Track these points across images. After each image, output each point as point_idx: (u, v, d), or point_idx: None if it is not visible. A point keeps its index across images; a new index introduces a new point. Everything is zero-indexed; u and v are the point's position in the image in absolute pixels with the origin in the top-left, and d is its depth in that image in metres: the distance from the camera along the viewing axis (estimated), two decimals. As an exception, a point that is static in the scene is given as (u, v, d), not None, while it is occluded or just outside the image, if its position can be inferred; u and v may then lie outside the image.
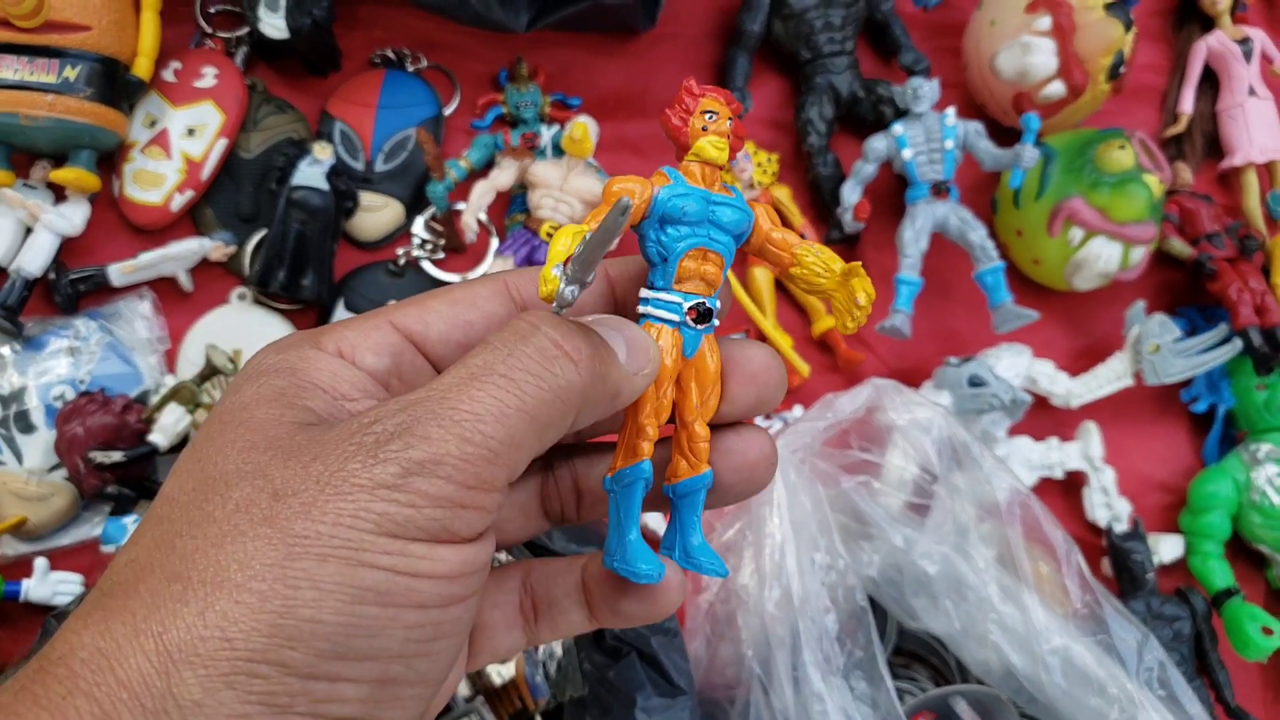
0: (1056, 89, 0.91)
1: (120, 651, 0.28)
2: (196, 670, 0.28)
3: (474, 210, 0.88)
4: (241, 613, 0.28)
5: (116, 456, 0.77)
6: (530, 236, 0.87)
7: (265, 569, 0.29)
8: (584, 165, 0.90)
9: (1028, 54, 0.90)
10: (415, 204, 0.92)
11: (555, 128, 0.92)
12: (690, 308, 0.41)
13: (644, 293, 0.40)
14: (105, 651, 0.29)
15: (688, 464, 0.39)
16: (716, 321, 0.41)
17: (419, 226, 0.91)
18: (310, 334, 0.36)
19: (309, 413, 0.33)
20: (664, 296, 0.40)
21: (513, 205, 0.92)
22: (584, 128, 0.87)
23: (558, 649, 0.73)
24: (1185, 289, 1.00)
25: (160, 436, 0.78)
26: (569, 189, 0.88)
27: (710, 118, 0.44)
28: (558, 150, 0.91)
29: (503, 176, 0.89)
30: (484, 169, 0.91)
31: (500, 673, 0.74)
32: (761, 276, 0.93)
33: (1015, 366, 0.89)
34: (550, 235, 0.85)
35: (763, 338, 0.91)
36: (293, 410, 0.33)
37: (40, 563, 0.78)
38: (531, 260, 0.86)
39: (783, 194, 0.95)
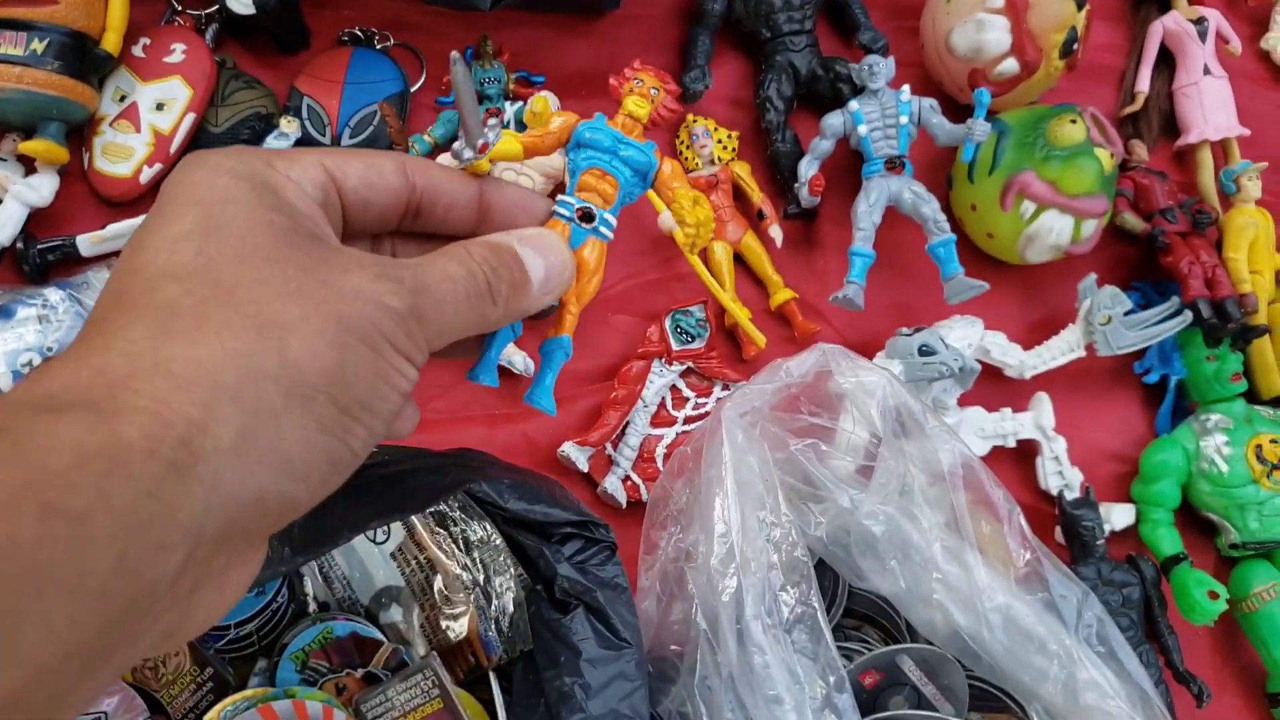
0: (1010, 66, 0.92)
1: (216, 363, 0.35)
2: (280, 386, 0.36)
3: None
4: (308, 356, 0.37)
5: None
6: None
7: (324, 329, 0.37)
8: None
9: (981, 31, 0.92)
10: (380, 178, 0.93)
11: (519, 104, 0.94)
12: (579, 209, 0.56)
13: (558, 196, 0.55)
14: (199, 360, 0.35)
15: (554, 329, 0.53)
16: (605, 230, 0.55)
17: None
18: (257, 156, 0.41)
19: (303, 223, 0.41)
20: (566, 198, 0.54)
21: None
22: (544, 101, 0.88)
23: (510, 604, 0.75)
24: (1139, 264, 1.02)
25: (125, 400, 0.80)
26: (530, 162, 0.89)
27: (638, 83, 0.63)
28: (520, 126, 0.93)
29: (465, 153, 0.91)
30: (448, 144, 0.93)
31: (455, 630, 0.75)
32: (720, 251, 0.94)
33: (967, 337, 0.90)
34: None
35: (721, 310, 0.92)
36: (291, 219, 0.40)
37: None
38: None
39: (743, 169, 0.97)
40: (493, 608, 0.75)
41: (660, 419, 0.91)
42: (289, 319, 0.37)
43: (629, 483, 0.88)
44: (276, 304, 0.37)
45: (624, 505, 0.87)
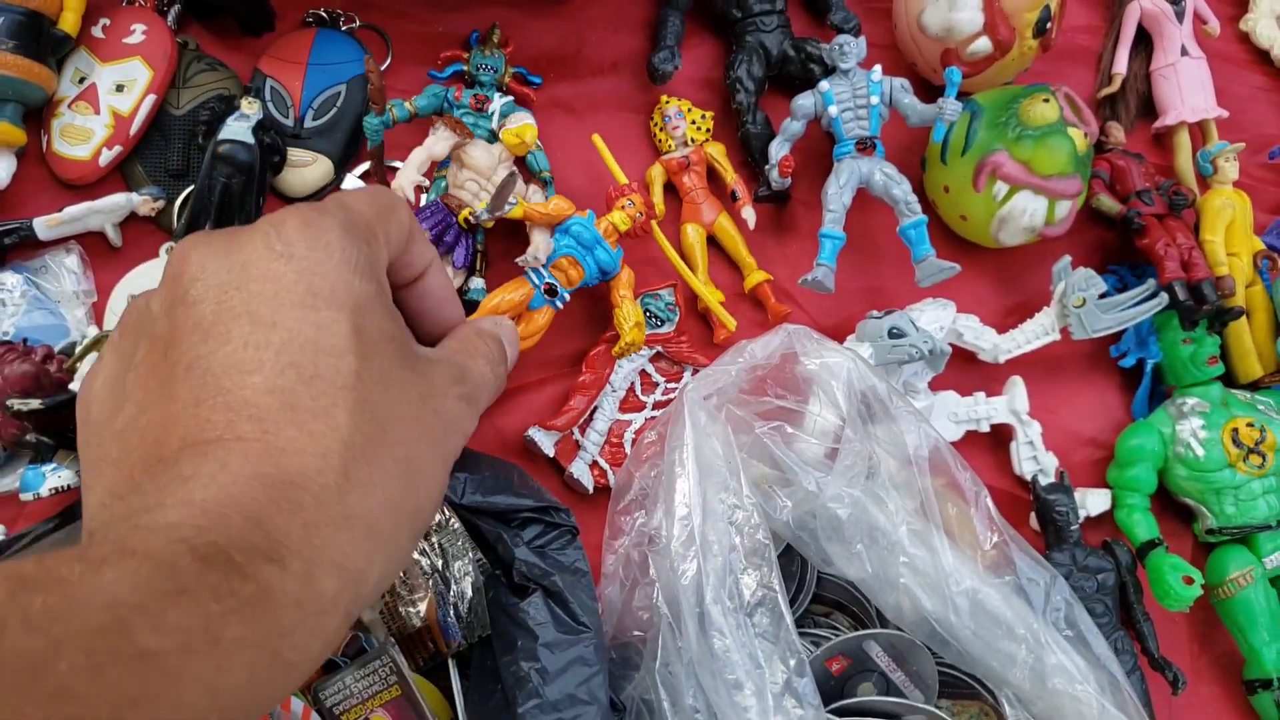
0: (983, 45, 0.91)
1: (378, 512, 0.40)
2: (410, 530, 0.43)
3: (408, 177, 0.88)
4: (429, 499, 0.44)
5: (35, 404, 0.77)
6: (447, 215, 0.86)
7: (441, 470, 0.45)
8: (512, 161, 0.90)
9: (953, 10, 0.91)
10: (344, 160, 0.92)
11: (509, 99, 0.92)
12: (547, 283, 0.79)
13: (535, 261, 0.78)
14: (369, 512, 0.40)
15: None
16: (559, 304, 0.79)
17: (349, 183, 0.92)
18: (369, 231, 0.45)
19: (404, 329, 0.45)
20: (541, 269, 0.75)
21: (446, 162, 0.92)
22: (532, 130, 0.87)
23: (468, 590, 0.73)
24: (1116, 247, 1.00)
25: (80, 385, 0.79)
26: (495, 180, 0.88)
27: (629, 204, 0.83)
28: (503, 119, 0.91)
29: (439, 146, 0.89)
30: (428, 115, 0.91)
31: (414, 616, 0.74)
32: (693, 233, 0.93)
33: (939, 319, 0.89)
34: (468, 223, 0.85)
35: (692, 293, 0.91)
36: (399, 325, 0.45)
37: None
38: (440, 239, 0.85)
39: (717, 150, 0.95)
40: (451, 593, 0.74)
41: (629, 404, 0.89)
42: (422, 463, 0.43)
43: (596, 468, 0.86)
44: (414, 447, 0.42)
45: (590, 490, 0.85)
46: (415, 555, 0.74)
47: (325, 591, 0.38)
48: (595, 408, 0.88)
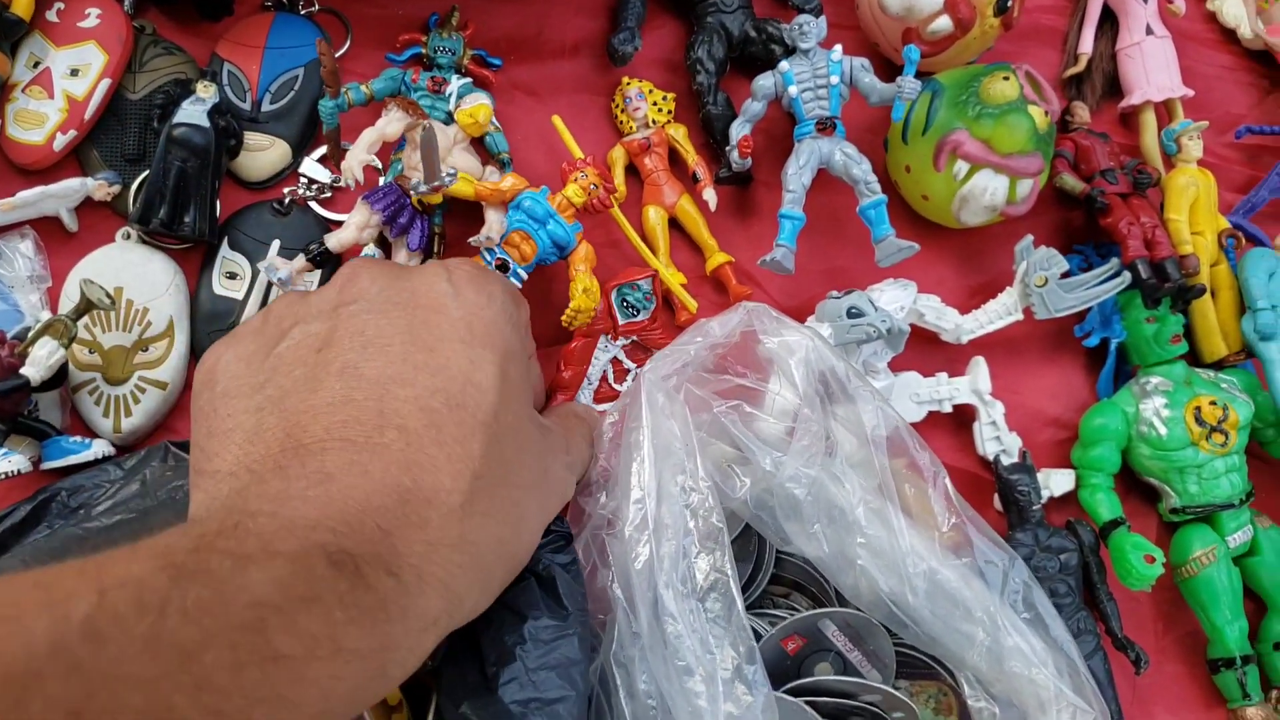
0: (944, 24, 0.91)
1: (485, 546, 0.45)
2: (508, 568, 0.52)
3: (358, 157, 0.87)
4: (528, 547, 0.54)
5: (-12, 388, 0.76)
6: (400, 196, 0.85)
7: (541, 523, 0.55)
8: (468, 142, 0.89)
9: (914, -11, 0.90)
10: (302, 144, 0.92)
11: (466, 80, 0.92)
12: (499, 258, 0.78)
13: (489, 242, 0.79)
14: (479, 544, 0.44)
15: None
16: (515, 281, 0.77)
17: (307, 167, 0.91)
18: (519, 299, 0.55)
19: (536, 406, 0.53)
20: (493, 246, 0.78)
21: (402, 144, 0.91)
22: (486, 110, 0.86)
23: None
24: (1081, 227, 1.00)
25: (32, 370, 0.78)
26: (450, 162, 0.87)
27: (583, 176, 0.81)
28: (460, 100, 0.90)
29: (390, 127, 0.88)
30: (383, 99, 0.90)
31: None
32: (655, 215, 0.93)
33: (899, 299, 0.88)
34: (422, 204, 0.85)
35: (655, 275, 0.90)
36: (531, 387, 0.54)
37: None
38: (394, 220, 0.84)
39: (679, 132, 0.95)
40: None
41: (603, 394, 0.89)
42: (529, 513, 0.48)
43: None
44: (527, 495, 0.47)
45: None
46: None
47: (429, 610, 0.40)
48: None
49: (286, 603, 0.34)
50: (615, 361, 0.89)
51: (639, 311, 0.88)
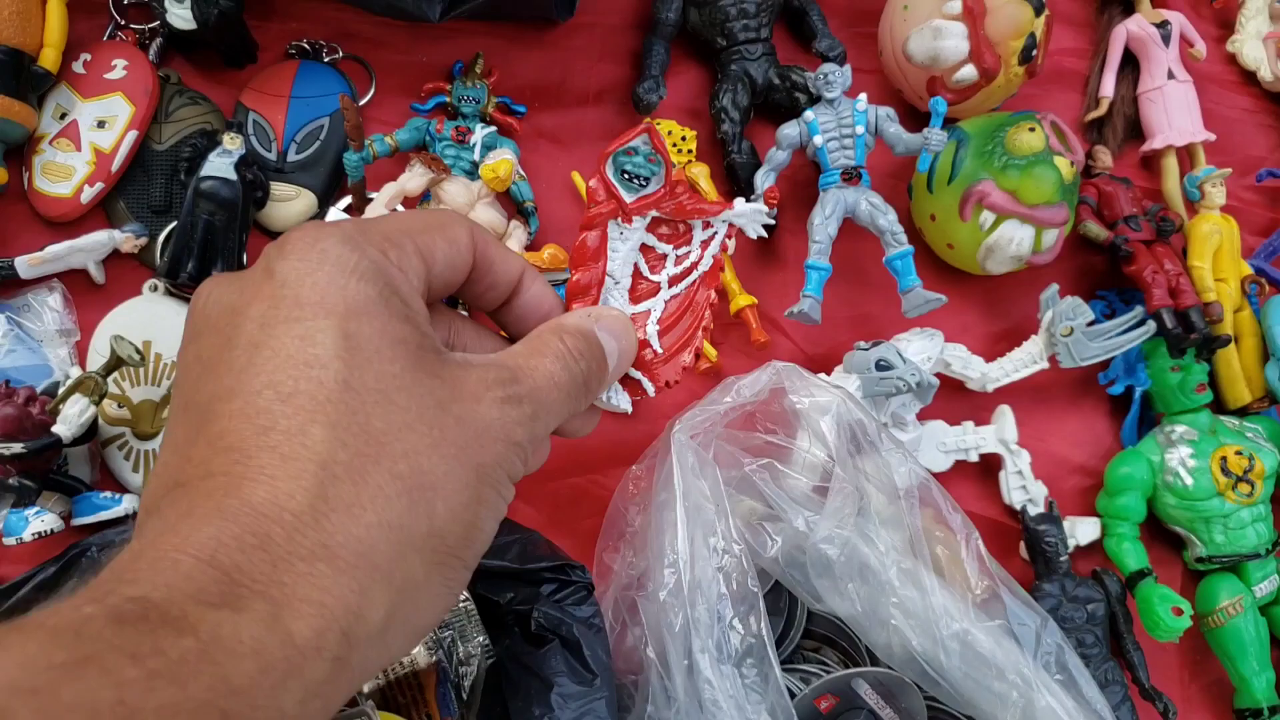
0: (969, 73, 0.91)
1: (372, 540, 0.36)
2: (423, 556, 0.38)
3: (377, 212, 0.87)
4: (450, 519, 0.38)
5: (18, 448, 0.76)
6: None
7: (465, 485, 0.39)
8: (493, 197, 0.89)
9: (939, 38, 0.90)
10: (328, 194, 0.92)
11: (491, 129, 0.92)
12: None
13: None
14: (360, 538, 0.35)
15: None
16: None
17: (332, 216, 0.91)
18: (370, 242, 0.41)
19: (428, 336, 0.41)
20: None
21: (426, 197, 0.91)
22: (509, 166, 0.86)
23: (473, 671, 0.73)
24: (1104, 272, 1.00)
25: (64, 428, 0.78)
26: (474, 217, 0.87)
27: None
28: (486, 150, 0.90)
29: (412, 183, 0.88)
30: (409, 151, 0.90)
31: (405, 662, 0.74)
32: (679, 263, 0.93)
33: (926, 350, 0.89)
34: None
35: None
36: (419, 332, 0.41)
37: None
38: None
39: (700, 171, 0.95)
40: (454, 672, 0.73)
41: (640, 291, 0.66)
42: (436, 477, 0.38)
43: (629, 381, 0.63)
44: (424, 458, 0.38)
45: (630, 410, 0.63)
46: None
47: (299, 634, 0.33)
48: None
49: (42, 679, 0.28)
50: (646, 249, 0.66)
51: (646, 181, 0.65)
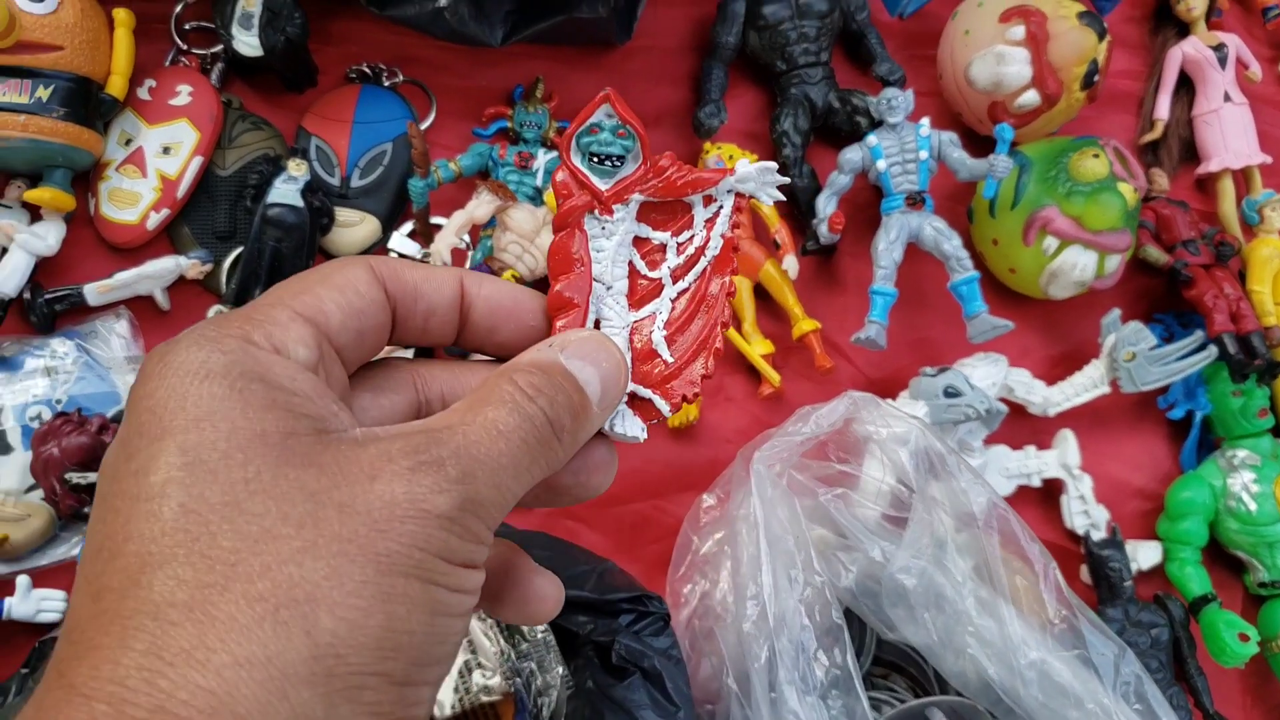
0: (1031, 98, 0.91)
1: (229, 685, 0.29)
2: (316, 689, 0.29)
3: (446, 240, 0.87)
4: (346, 631, 0.30)
5: (92, 478, 0.77)
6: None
7: (360, 584, 0.31)
8: None
9: (1001, 64, 0.90)
10: (391, 219, 0.92)
11: (554, 154, 0.92)
12: None
13: None
14: (211, 689, 0.28)
15: None
16: None
17: (396, 241, 0.91)
18: (229, 334, 0.34)
19: (304, 420, 0.33)
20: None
21: (491, 222, 0.92)
22: None
23: (552, 703, 0.73)
24: (1162, 295, 1.00)
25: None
26: (539, 243, 0.87)
27: None
28: (549, 176, 0.91)
29: (480, 210, 0.88)
30: (473, 176, 0.91)
31: (482, 691, 0.74)
32: (742, 284, 0.93)
33: (991, 376, 0.89)
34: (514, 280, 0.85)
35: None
36: (290, 417, 0.33)
37: (22, 580, 0.78)
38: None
39: (763, 196, 0.95)
40: (532, 700, 0.73)
41: (640, 293, 0.51)
42: (311, 585, 0.30)
43: (638, 403, 0.49)
44: (292, 567, 0.30)
45: (643, 437, 0.49)
46: (491, 649, 0.74)
47: None
48: (597, 321, 0.49)
49: None
50: (639, 241, 0.51)
51: (620, 161, 0.51)
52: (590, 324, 0.46)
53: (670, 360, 0.48)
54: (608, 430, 0.45)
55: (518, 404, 0.36)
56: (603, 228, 0.49)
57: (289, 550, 0.30)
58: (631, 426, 0.46)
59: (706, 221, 0.48)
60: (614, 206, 0.48)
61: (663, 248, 0.49)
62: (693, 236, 0.49)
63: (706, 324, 0.48)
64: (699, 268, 0.48)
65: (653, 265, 0.51)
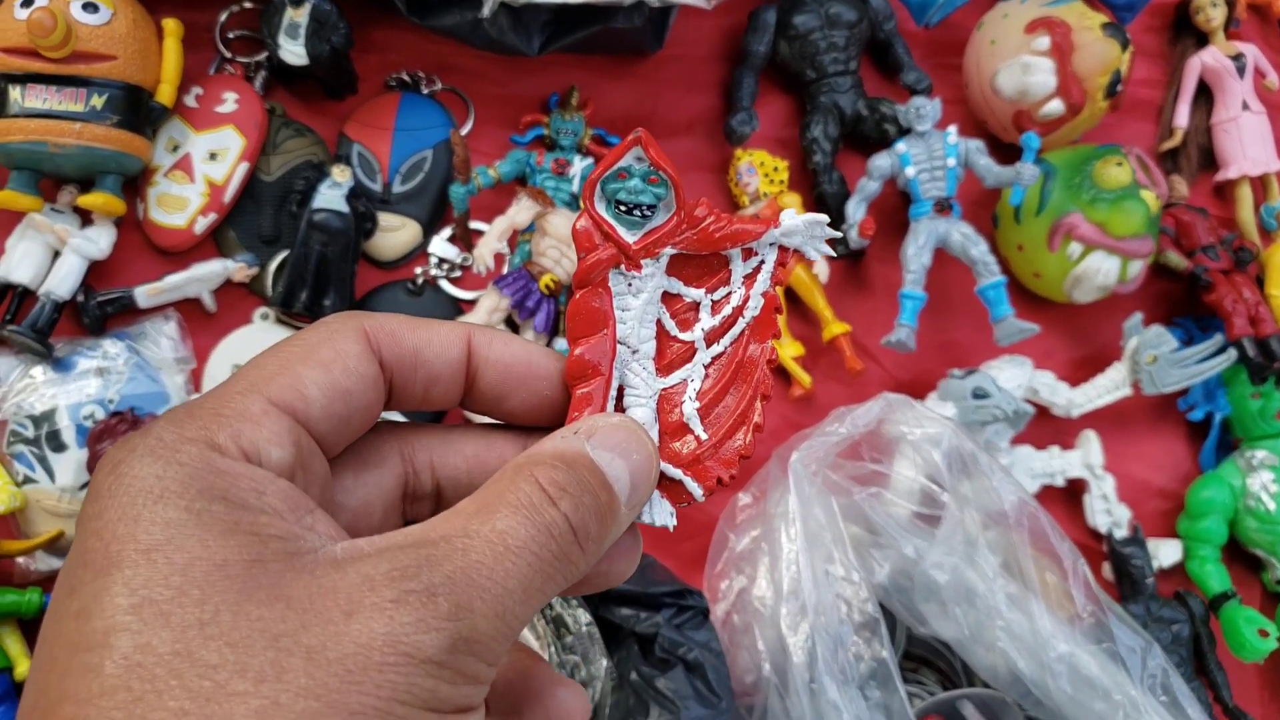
0: (1055, 107, 0.93)
1: None
2: None
3: (489, 246, 0.89)
4: None
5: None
6: (529, 281, 0.88)
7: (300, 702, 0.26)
8: None
9: (1027, 73, 0.92)
10: (432, 224, 0.94)
11: (589, 160, 0.94)
12: None
13: None
14: None
15: None
16: None
17: (436, 246, 0.93)
18: (197, 432, 0.30)
19: (273, 542, 0.29)
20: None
21: (530, 227, 0.94)
22: None
23: (596, 694, 0.75)
24: (1182, 300, 1.02)
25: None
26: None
27: None
28: (583, 182, 0.93)
29: (521, 215, 0.90)
30: (511, 182, 0.93)
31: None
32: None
33: (1017, 378, 0.91)
34: (550, 288, 0.87)
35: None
36: (256, 542, 0.29)
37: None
38: (522, 304, 0.87)
39: (793, 201, 0.97)
40: None
41: (670, 358, 0.43)
42: None
43: (667, 484, 0.41)
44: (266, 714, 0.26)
45: (673, 525, 0.42)
46: (539, 640, 0.76)
47: None
48: (620, 389, 0.43)
49: None
50: (670, 299, 0.44)
51: (651, 210, 0.43)
52: (613, 392, 0.41)
53: (704, 436, 0.41)
54: (648, 523, 0.39)
55: (536, 509, 0.31)
56: (629, 284, 0.43)
57: (245, 711, 0.26)
58: (660, 514, 0.39)
59: (745, 278, 0.41)
60: (643, 262, 0.41)
61: (696, 306, 0.43)
62: (730, 294, 0.42)
63: (744, 395, 0.42)
64: (736, 329, 0.41)
65: (684, 326, 0.45)
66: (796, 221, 0.40)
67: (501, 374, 0.37)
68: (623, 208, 0.40)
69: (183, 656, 0.26)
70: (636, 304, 0.42)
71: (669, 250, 0.41)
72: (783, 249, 0.40)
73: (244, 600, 0.27)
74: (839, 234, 0.40)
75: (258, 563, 0.28)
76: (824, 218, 0.39)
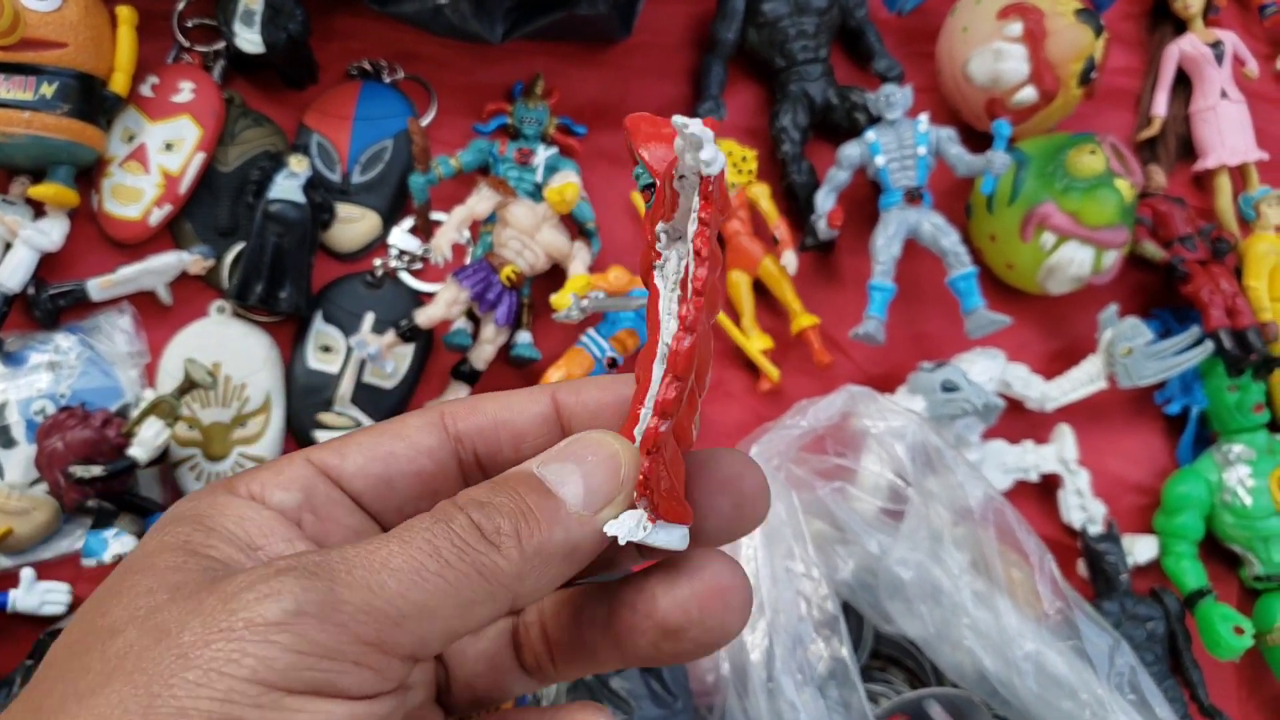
0: (1028, 95, 0.91)
1: None
2: None
3: (447, 236, 0.88)
4: None
5: (96, 471, 0.77)
6: (490, 273, 0.86)
7: None
8: (558, 219, 0.90)
9: (999, 60, 0.91)
10: (392, 215, 0.92)
11: (553, 150, 0.93)
12: (609, 357, 0.80)
13: (593, 332, 0.65)
14: None
15: None
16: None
17: (396, 237, 0.92)
18: (227, 481, 0.33)
19: (212, 560, 0.30)
20: (603, 342, 0.68)
21: (491, 218, 0.92)
22: (574, 190, 0.87)
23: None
24: (1159, 291, 1.01)
25: (140, 450, 0.79)
26: (539, 239, 0.87)
27: None
28: (549, 171, 0.91)
29: (481, 206, 0.88)
30: (473, 172, 0.91)
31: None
32: (741, 280, 0.93)
33: (989, 371, 0.89)
34: (511, 280, 0.85)
35: (734, 343, 0.91)
36: (196, 558, 0.29)
37: (26, 572, 0.79)
38: (483, 297, 0.85)
39: (761, 192, 0.95)
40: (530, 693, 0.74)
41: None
42: None
43: (669, 505, 0.36)
44: None
45: (684, 545, 0.34)
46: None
47: None
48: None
49: None
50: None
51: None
52: (649, 404, 0.34)
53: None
54: (642, 541, 0.32)
55: (439, 510, 0.30)
56: (661, 276, 0.36)
57: (84, 688, 0.26)
58: (670, 536, 0.33)
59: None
60: (658, 246, 0.35)
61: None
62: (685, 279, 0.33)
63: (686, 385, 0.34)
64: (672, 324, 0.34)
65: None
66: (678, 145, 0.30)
67: (592, 415, 0.36)
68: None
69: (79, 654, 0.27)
70: (671, 299, 0.35)
71: (693, 224, 0.32)
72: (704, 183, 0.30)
73: (174, 605, 0.27)
74: (710, 132, 0.29)
75: (203, 572, 0.29)
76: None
